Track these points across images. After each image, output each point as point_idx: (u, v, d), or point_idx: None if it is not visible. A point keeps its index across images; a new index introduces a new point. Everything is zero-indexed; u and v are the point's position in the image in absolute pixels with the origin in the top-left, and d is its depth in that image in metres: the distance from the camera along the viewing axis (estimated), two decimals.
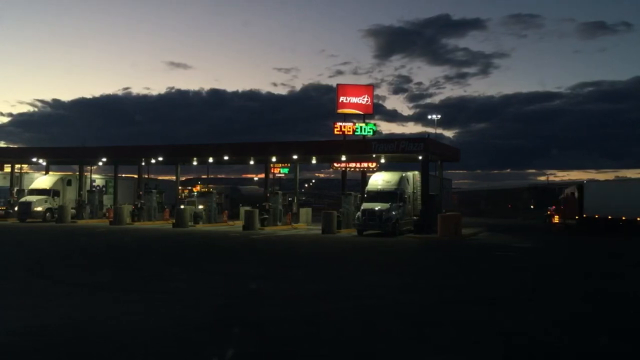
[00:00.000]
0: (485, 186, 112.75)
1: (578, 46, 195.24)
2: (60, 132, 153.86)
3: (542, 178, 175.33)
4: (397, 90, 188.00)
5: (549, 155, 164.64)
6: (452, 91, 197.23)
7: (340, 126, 34.39)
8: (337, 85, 35.87)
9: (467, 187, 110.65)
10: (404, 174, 27.93)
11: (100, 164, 38.71)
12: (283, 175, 48.99)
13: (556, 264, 16.82)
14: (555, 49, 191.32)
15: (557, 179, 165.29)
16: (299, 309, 9.01)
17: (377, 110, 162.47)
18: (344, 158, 32.13)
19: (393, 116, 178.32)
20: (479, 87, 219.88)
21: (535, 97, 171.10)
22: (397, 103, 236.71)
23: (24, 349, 6.44)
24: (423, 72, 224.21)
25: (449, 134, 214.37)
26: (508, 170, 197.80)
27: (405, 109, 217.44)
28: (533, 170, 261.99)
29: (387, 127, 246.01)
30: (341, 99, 34.96)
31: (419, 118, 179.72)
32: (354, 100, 34.98)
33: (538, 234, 30.51)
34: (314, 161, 35.58)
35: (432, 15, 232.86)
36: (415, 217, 27.56)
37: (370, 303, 9.57)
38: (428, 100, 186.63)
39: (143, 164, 36.36)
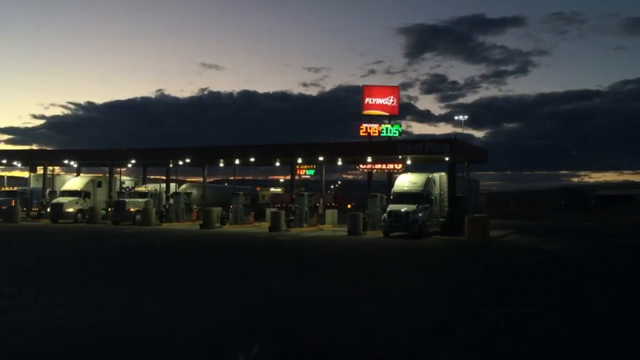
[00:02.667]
0: (514, 187, 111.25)
1: (621, 42, 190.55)
2: (93, 134, 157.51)
3: (576, 179, 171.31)
4: (430, 90, 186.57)
5: (583, 156, 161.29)
6: (487, 90, 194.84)
7: (366, 127, 34.33)
8: (363, 86, 35.86)
9: (497, 189, 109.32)
10: (430, 175, 27.69)
11: (130, 165, 39.35)
12: (309, 176, 49.05)
13: (583, 267, 16.46)
14: (597, 46, 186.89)
15: (591, 180, 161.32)
16: (325, 310, 9.00)
17: (409, 111, 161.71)
18: (369, 159, 32.01)
19: (425, 116, 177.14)
20: (517, 86, 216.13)
21: (572, 95, 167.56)
22: (429, 103, 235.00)
23: (53, 347, 6.58)
24: (458, 71, 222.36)
25: (479, 134, 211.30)
26: (539, 171, 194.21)
27: (437, 109, 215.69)
28: (566, 171, 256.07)
29: (418, 128, 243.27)
30: (367, 100, 34.89)
31: (451, 118, 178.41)
32: (379, 101, 34.87)
33: (568, 236, 29.90)
34: (339, 163, 35.53)
35: (467, 14, 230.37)
36: (442, 219, 27.28)
37: (395, 305, 9.51)
38: (461, 100, 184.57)
39: (171, 165, 36.85)
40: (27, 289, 10.73)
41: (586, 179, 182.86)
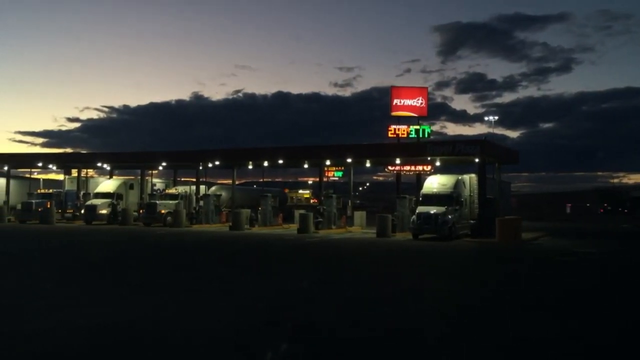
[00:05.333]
0: (547, 189, 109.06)
1: None
2: (127, 137, 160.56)
3: (615, 180, 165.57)
4: (466, 90, 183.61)
5: (621, 156, 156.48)
6: (527, 89, 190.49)
7: (395, 129, 34.11)
8: (391, 87, 35.65)
9: (530, 190, 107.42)
10: (460, 177, 27.38)
11: (161, 168, 39.95)
12: (337, 178, 49.02)
13: (617, 272, 16.03)
14: None
15: (630, 181, 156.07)
16: (352, 312, 8.97)
17: (444, 111, 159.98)
18: (398, 161, 31.83)
19: (461, 116, 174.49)
20: (559, 84, 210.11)
21: (614, 93, 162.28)
22: (465, 103, 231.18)
23: (83, 346, 6.71)
24: (496, 70, 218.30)
25: (514, 134, 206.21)
26: (575, 172, 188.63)
27: (473, 109, 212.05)
28: (603, 173, 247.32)
29: (453, 129, 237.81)
30: (395, 101, 34.69)
31: (486, 118, 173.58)
32: (408, 102, 34.61)
33: (602, 238, 29.15)
34: (368, 164, 35.43)
35: (507, 12, 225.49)
36: (472, 221, 26.95)
37: (422, 307, 9.41)
38: (497, 100, 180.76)
39: (201, 167, 37.28)
40: (63, 288, 11.00)
41: (624, 180, 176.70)
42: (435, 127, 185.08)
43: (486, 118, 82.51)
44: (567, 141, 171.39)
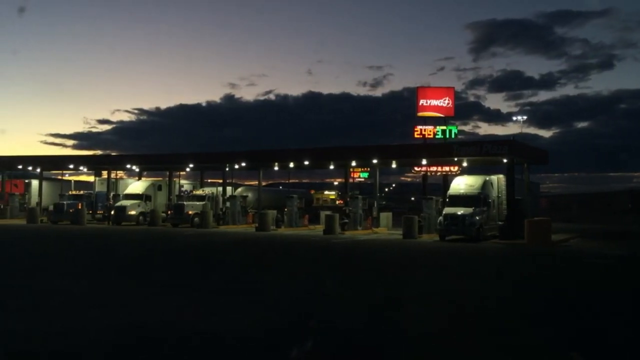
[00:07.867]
0: (579, 190, 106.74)
1: None
2: (157, 139, 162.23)
3: None
4: (501, 88, 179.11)
5: None
6: (565, 87, 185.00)
7: (421, 129, 33.91)
8: (417, 88, 35.47)
9: (561, 191, 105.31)
10: (487, 178, 27.04)
11: (188, 169, 40.40)
12: (363, 179, 48.93)
13: None
14: None
15: None
16: (376, 314, 8.94)
17: (477, 110, 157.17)
18: (424, 162, 31.59)
19: (495, 116, 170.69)
20: (599, 81, 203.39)
21: None
22: (499, 102, 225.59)
23: (101, 345, 6.82)
24: (533, 67, 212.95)
25: (548, 133, 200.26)
26: (610, 172, 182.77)
27: (507, 108, 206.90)
28: (638, 173, 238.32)
29: (485, 129, 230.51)
30: (421, 102, 34.50)
31: (515, 118, 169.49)
32: (434, 102, 34.39)
33: (633, 241, 28.43)
34: (394, 165, 35.25)
35: (548, 10, 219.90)
36: (500, 223, 26.59)
37: (447, 310, 9.33)
38: (532, 99, 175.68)
39: (227, 169, 37.59)
40: (93, 288, 11.21)
41: None
42: (468, 127, 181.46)
43: (515, 118, 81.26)
44: (602, 140, 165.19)
